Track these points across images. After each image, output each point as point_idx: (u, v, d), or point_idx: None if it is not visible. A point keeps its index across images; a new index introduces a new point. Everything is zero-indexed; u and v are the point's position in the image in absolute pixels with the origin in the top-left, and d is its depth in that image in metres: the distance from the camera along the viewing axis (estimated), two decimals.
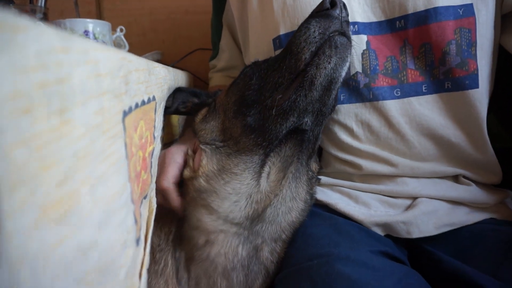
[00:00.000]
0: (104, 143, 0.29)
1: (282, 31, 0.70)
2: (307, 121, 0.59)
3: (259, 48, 0.77)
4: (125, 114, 0.34)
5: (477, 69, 0.63)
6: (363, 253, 0.54)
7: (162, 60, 1.23)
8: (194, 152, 0.68)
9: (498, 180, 0.69)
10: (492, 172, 0.68)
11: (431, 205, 0.65)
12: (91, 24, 0.92)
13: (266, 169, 0.61)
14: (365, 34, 0.66)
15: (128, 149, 0.35)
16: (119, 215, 0.31)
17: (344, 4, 0.59)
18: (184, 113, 0.80)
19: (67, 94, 0.23)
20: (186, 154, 0.68)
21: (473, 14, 0.62)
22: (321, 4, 0.58)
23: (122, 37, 1.05)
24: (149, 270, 0.55)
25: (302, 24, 0.59)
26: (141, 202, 0.46)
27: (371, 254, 0.54)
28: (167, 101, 0.71)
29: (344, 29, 0.58)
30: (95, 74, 0.28)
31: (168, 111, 0.73)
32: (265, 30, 0.75)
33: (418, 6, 0.63)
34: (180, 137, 0.80)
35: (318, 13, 0.58)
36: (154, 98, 0.48)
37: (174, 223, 0.64)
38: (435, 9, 0.62)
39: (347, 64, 0.58)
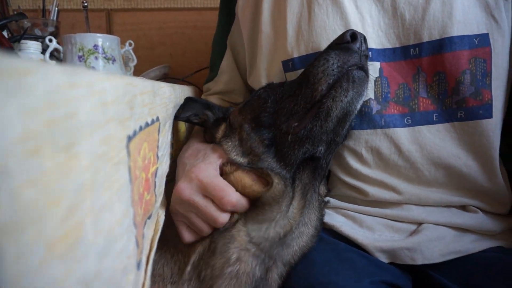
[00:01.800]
0: (108, 171, 0.29)
1: (295, 55, 0.71)
2: (321, 149, 0.60)
3: (268, 69, 0.78)
4: (130, 139, 0.35)
5: (491, 99, 0.63)
6: (363, 285, 0.54)
7: (170, 73, 1.24)
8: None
9: (507, 210, 0.68)
10: (501, 202, 0.67)
11: (436, 231, 0.64)
12: (100, 39, 0.94)
13: (295, 195, 0.62)
14: (378, 61, 0.67)
15: (132, 173, 0.35)
16: (121, 242, 0.32)
17: (364, 38, 0.59)
18: (195, 124, 0.78)
19: (74, 129, 0.23)
20: (224, 167, 0.64)
21: (488, 44, 0.62)
22: (341, 36, 0.58)
23: (131, 51, 1.06)
24: None
25: (321, 55, 0.59)
26: (145, 223, 0.46)
27: (370, 286, 0.54)
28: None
29: (363, 63, 0.58)
30: (101, 104, 0.28)
31: (177, 119, 0.71)
32: (276, 52, 0.75)
33: (433, 35, 0.63)
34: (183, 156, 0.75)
35: (338, 45, 0.58)
36: (158, 119, 0.49)
37: (195, 253, 0.62)
38: (450, 38, 0.62)
39: (363, 98, 0.59)
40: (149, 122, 0.44)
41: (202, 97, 1.00)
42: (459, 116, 0.65)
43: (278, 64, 0.74)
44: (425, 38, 0.64)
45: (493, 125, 0.64)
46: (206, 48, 1.28)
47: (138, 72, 1.14)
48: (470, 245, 0.64)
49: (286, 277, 0.63)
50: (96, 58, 0.94)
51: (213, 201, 0.59)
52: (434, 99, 0.66)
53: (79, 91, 0.24)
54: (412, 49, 0.66)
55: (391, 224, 0.67)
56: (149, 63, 1.26)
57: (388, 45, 0.67)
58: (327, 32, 0.68)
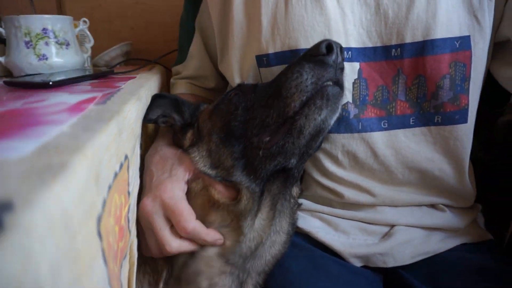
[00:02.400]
0: (81, 274, 0.26)
1: (271, 50, 0.66)
2: (293, 161, 0.58)
3: (241, 62, 0.72)
4: (99, 220, 0.31)
5: (467, 104, 0.63)
6: None
7: (132, 51, 1.14)
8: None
9: (470, 203, 0.72)
10: (466, 198, 0.71)
11: (407, 234, 0.67)
12: (49, 21, 0.83)
13: (261, 207, 0.61)
14: (358, 61, 0.64)
15: (107, 253, 0.32)
16: None
17: (341, 48, 0.55)
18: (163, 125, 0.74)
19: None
20: (191, 184, 0.62)
21: (469, 47, 0.60)
22: (317, 48, 0.54)
23: (86, 30, 0.95)
24: None
25: (294, 65, 0.55)
26: (121, 266, 0.44)
27: None
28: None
29: (338, 77, 0.55)
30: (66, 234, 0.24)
31: (145, 121, 0.66)
32: (250, 44, 0.70)
33: (416, 36, 0.61)
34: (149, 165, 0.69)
35: (313, 57, 0.54)
36: (126, 157, 0.45)
37: (163, 270, 0.61)
38: (433, 41, 0.60)
39: (337, 113, 0.56)
40: (118, 170, 0.40)
41: (171, 80, 0.94)
42: (435, 121, 0.65)
43: (252, 58, 0.69)
44: (408, 39, 0.61)
45: (468, 130, 0.65)
46: (171, 20, 1.18)
47: (95, 50, 1.03)
48: (437, 245, 0.68)
49: (262, 284, 0.64)
50: (47, 43, 0.83)
51: (172, 226, 0.57)
52: (412, 103, 0.65)
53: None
54: (394, 50, 0.63)
55: (365, 227, 0.69)
56: (108, 38, 1.14)
57: (369, 44, 0.64)
58: (305, 28, 0.63)
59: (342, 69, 0.56)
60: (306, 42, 0.63)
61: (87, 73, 0.84)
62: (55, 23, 0.83)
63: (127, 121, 0.47)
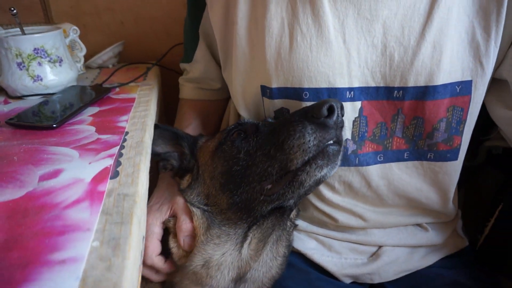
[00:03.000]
0: None
1: (274, 85, 0.67)
2: (291, 202, 0.62)
3: (244, 86, 0.73)
4: None
5: (460, 144, 0.66)
6: None
7: (124, 50, 1.10)
8: (174, 216, 0.68)
9: (451, 219, 0.79)
10: (450, 215, 0.77)
11: (392, 254, 0.75)
12: (39, 40, 0.80)
13: (248, 240, 0.65)
14: (360, 100, 0.65)
15: None
16: None
17: (341, 107, 0.57)
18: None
19: None
20: (165, 222, 0.68)
21: (469, 92, 0.62)
22: (318, 109, 0.55)
23: (77, 39, 0.92)
24: None
25: (296, 124, 0.57)
26: None
27: None
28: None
29: (338, 136, 0.57)
30: None
31: (152, 156, 0.70)
32: (253, 72, 0.70)
33: (419, 81, 0.62)
34: (157, 187, 0.77)
35: (315, 119, 0.56)
36: None
37: None
38: (435, 87, 0.61)
39: (337, 167, 0.59)
40: None
41: (180, 80, 0.96)
42: (428, 157, 0.69)
43: (256, 86, 0.70)
44: (411, 83, 0.62)
45: (457, 166, 0.69)
46: (161, 12, 1.13)
47: (86, 45, 0.99)
48: (419, 262, 0.76)
49: None
50: (40, 64, 0.81)
51: None
52: (408, 139, 0.68)
53: None
54: (396, 91, 0.64)
55: (355, 247, 0.76)
56: (97, 33, 1.10)
57: (372, 84, 0.65)
58: (309, 69, 0.64)
59: (342, 127, 0.59)
60: (309, 82, 0.64)
61: (82, 91, 0.84)
62: (46, 41, 0.80)
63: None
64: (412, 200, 0.72)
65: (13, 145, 0.61)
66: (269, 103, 0.70)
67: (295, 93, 0.66)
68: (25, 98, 0.83)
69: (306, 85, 0.65)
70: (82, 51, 0.95)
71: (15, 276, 0.35)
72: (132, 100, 0.81)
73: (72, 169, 0.52)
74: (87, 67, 1.07)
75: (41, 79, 0.81)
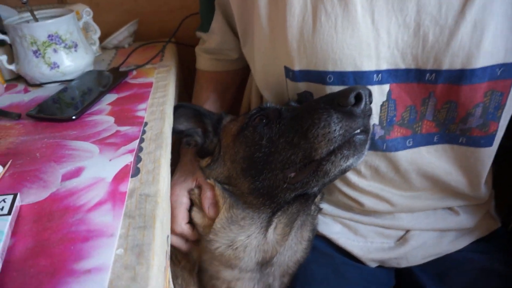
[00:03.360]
0: None
1: (296, 67, 0.63)
2: (315, 189, 0.61)
3: (267, 67, 0.70)
4: None
5: (496, 131, 0.61)
6: None
7: (139, 28, 1.07)
8: (198, 187, 0.70)
9: (484, 201, 0.75)
10: (482, 198, 0.73)
11: (421, 238, 0.72)
12: (53, 26, 0.77)
13: (273, 225, 0.65)
14: (388, 82, 0.60)
15: None
16: None
17: (370, 94, 0.53)
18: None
19: None
20: (190, 193, 0.70)
21: (511, 75, 0.56)
22: (345, 97, 0.51)
23: (91, 21, 0.89)
24: None
25: (322, 111, 0.53)
26: None
27: None
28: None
29: (365, 125, 0.54)
30: None
31: (174, 133, 0.70)
32: (275, 54, 0.66)
33: (455, 64, 0.56)
34: (180, 162, 0.79)
35: (341, 107, 0.52)
36: None
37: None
38: (472, 71, 0.55)
39: (364, 156, 0.56)
40: None
41: (196, 50, 0.95)
42: (460, 141, 0.64)
43: (279, 67, 0.67)
44: (445, 66, 0.57)
45: (491, 152, 0.64)
46: None
47: (99, 24, 0.96)
48: (448, 246, 0.74)
49: (288, 283, 0.73)
50: (55, 50, 0.79)
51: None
52: (438, 123, 0.64)
53: None
54: (428, 74, 0.59)
55: (382, 231, 0.74)
56: (111, 12, 1.07)
57: (402, 66, 0.60)
58: (334, 51, 0.59)
59: (370, 115, 0.55)
60: (334, 65, 0.60)
61: (100, 76, 0.82)
62: (59, 27, 0.78)
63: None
64: (440, 183, 0.69)
65: (35, 139, 0.61)
66: (292, 85, 0.67)
67: (319, 76, 0.62)
68: (44, 85, 0.83)
69: (330, 68, 0.60)
70: (96, 33, 0.92)
71: (44, 285, 0.35)
72: (150, 85, 0.79)
73: (93, 166, 0.52)
74: (103, 48, 1.05)
75: (58, 66, 0.80)
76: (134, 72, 0.87)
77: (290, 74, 0.65)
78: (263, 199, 0.61)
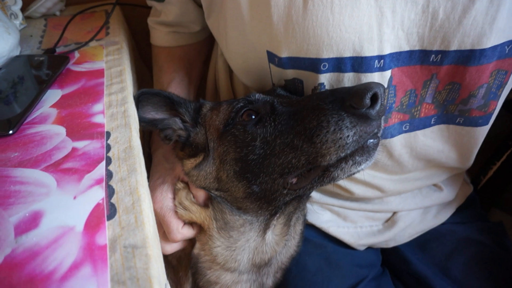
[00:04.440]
0: None
1: (284, 54, 0.54)
2: (311, 190, 0.56)
3: (244, 48, 0.60)
4: None
5: (494, 109, 0.59)
6: None
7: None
8: (182, 181, 0.62)
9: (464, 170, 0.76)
10: (465, 168, 0.73)
11: (408, 218, 0.73)
12: None
13: (272, 226, 0.61)
14: (390, 67, 0.54)
15: None
16: None
17: (384, 91, 0.46)
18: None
19: None
20: (175, 189, 0.62)
21: None
22: (359, 98, 0.44)
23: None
24: None
25: (330, 113, 0.46)
26: None
27: None
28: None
29: (379, 126, 0.47)
30: None
31: (141, 125, 0.61)
32: (255, 36, 0.56)
33: (465, 45, 0.50)
34: (153, 161, 0.69)
35: (355, 109, 0.45)
36: None
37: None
38: (482, 51, 0.50)
39: (373, 159, 0.50)
40: None
41: (150, 22, 0.80)
42: (457, 121, 0.62)
43: (261, 52, 0.57)
44: (454, 46, 0.51)
45: (485, 130, 0.63)
46: None
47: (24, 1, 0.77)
48: (432, 222, 0.76)
49: (280, 277, 0.71)
50: None
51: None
52: (437, 104, 0.60)
53: None
54: (433, 55, 0.53)
55: (371, 215, 0.74)
56: None
57: (406, 48, 0.53)
58: (329, 35, 0.50)
59: (383, 115, 0.49)
60: (329, 51, 0.51)
61: (33, 64, 0.66)
62: None
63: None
64: (431, 161, 0.67)
65: None
66: (278, 71, 0.58)
67: (311, 64, 0.53)
68: None
69: (325, 55, 0.52)
70: (16, 3, 0.72)
71: None
72: (100, 73, 0.65)
73: (53, 209, 0.42)
74: (28, 17, 0.84)
75: None
76: (77, 55, 0.71)
77: (276, 60, 0.56)
78: (260, 202, 0.56)
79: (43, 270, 0.36)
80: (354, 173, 0.50)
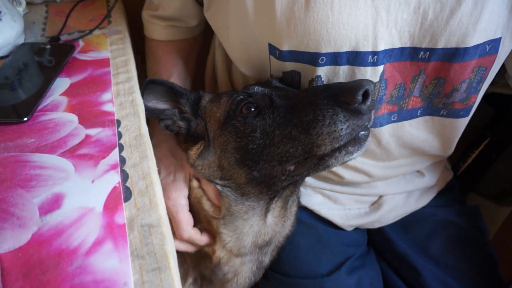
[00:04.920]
0: None
1: (285, 47, 0.57)
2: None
3: (246, 39, 0.63)
4: None
5: (474, 102, 0.64)
6: (340, 273, 0.72)
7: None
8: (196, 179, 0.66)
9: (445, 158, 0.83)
10: (446, 156, 0.79)
11: (393, 201, 0.79)
12: None
13: (271, 209, 0.66)
14: (382, 63, 0.58)
15: None
16: None
17: (374, 87, 0.50)
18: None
19: None
20: (190, 188, 0.66)
21: (496, 51, 0.57)
22: (352, 95, 0.48)
23: None
24: None
25: (326, 108, 0.50)
26: None
27: (347, 276, 0.72)
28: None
29: (370, 120, 0.53)
30: None
31: (147, 113, 0.63)
32: (258, 29, 0.59)
33: (450, 43, 0.55)
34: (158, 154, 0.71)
35: (348, 105, 0.49)
36: None
37: (188, 276, 0.70)
38: (466, 49, 0.55)
39: (364, 148, 0.55)
40: None
41: (145, 15, 0.81)
42: (441, 113, 0.67)
43: (263, 43, 0.61)
44: (441, 45, 0.56)
45: (466, 121, 0.69)
46: None
47: None
48: (414, 205, 0.82)
49: (275, 256, 0.77)
50: None
51: None
52: (424, 98, 0.65)
53: None
54: (422, 52, 0.58)
55: (359, 198, 0.79)
56: None
57: (398, 45, 0.58)
58: (328, 32, 0.55)
59: (373, 109, 0.53)
60: (327, 46, 0.56)
61: (39, 52, 0.69)
62: None
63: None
64: (416, 149, 0.73)
65: None
66: (277, 64, 0.62)
67: (310, 58, 0.58)
68: None
69: (323, 49, 0.56)
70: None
71: None
72: (106, 62, 0.68)
73: (73, 192, 0.45)
74: (28, 3, 0.85)
75: None
76: (81, 43, 0.73)
77: (276, 53, 0.60)
78: (261, 187, 0.61)
79: (69, 245, 0.40)
80: (346, 161, 0.55)
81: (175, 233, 0.63)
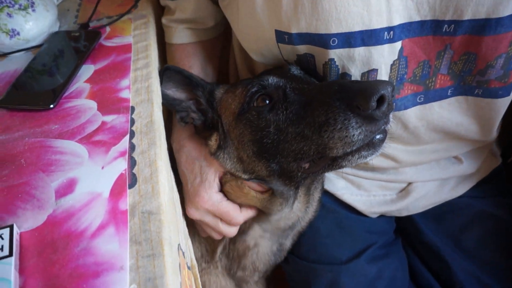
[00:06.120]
0: None
1: (294, 30, 0.55)
2: None
3: (255, 28, 0.61)
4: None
5: None
6: (360, 261, 0.69)
7: None
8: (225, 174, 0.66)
9: (488, 143, 0.74)
10: (489, 140, 0.72)
11: (423, 189, 0.73)
12: None
13: (298, 197, 0.67)
14: (401, 39, 0.53)
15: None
16: None
17: (392, 88, 0.46)
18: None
19: None
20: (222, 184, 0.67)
21: None
22: (365, 101, 0.45)
23: None
24: None
25: (338, 111, 0.48)
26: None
27: (367, 265, 0.69)
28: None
29: (386, 123, 0.49)
30: None
31: (164, 100, 0.65)
32: (266, 14, 0.57)
33: (479, 13, 0.49)
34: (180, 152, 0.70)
35: (361, 110, 0.46)
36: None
37: (220, 244, 0.74)
38: (499, 20, 0.49)
39: (380, 151, 0.52)
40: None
41: (164, 21, 0.81)
42: (475, 93, 0.60)
43: (269, 31, 0.58)
44: (467, 16, 0.50)
45: (506, 101, 0.61)
46: None
47: None
48: (448, 194, 0.76)
49: (296, 240, 0.77)
50: (10, 15, 0.67)
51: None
52: (453, 75, 0.59)
53: None
54: (446, 25, 0.52)
55: (385, 184, 0.75)
56: None
57: (416, 18, 0.52)
58: (338, 10, 0.51)
59: (391, 111, 0.49)
60: (338, 26, 0.52)
61: (70, 39, 0.72)
62: None
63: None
64: (450, 134, 0.67)
65: (14, 138, 0.56)
66: (288, 48, 0.59)
67: (320, 40, 0.54)
68: (8, 56, 0.73)
69: (334, 30, 0.52)
70: None
71: None
72: (128, 48, 0.70)
73: (86, 177, 0.49)
74: None
75: (18, 33, 0.69)
76: (108, 29, 0.76)
77: (286, 37, 0.57)
78: (283, 179, 0.61)
79: (77, 228, 0.44)
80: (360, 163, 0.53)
81: (230, 223, 0.65)
